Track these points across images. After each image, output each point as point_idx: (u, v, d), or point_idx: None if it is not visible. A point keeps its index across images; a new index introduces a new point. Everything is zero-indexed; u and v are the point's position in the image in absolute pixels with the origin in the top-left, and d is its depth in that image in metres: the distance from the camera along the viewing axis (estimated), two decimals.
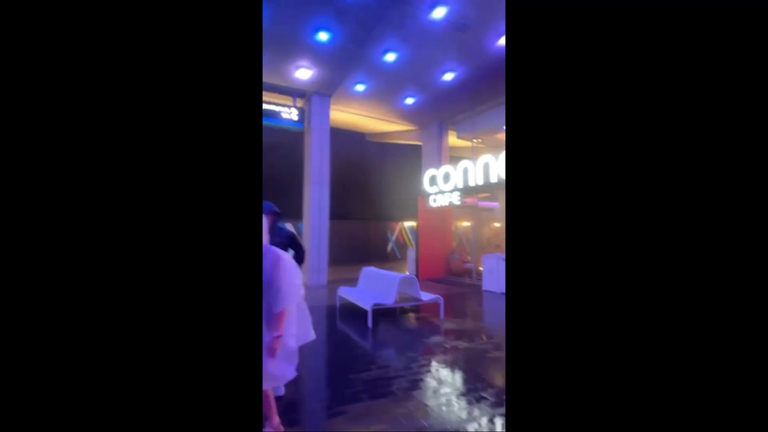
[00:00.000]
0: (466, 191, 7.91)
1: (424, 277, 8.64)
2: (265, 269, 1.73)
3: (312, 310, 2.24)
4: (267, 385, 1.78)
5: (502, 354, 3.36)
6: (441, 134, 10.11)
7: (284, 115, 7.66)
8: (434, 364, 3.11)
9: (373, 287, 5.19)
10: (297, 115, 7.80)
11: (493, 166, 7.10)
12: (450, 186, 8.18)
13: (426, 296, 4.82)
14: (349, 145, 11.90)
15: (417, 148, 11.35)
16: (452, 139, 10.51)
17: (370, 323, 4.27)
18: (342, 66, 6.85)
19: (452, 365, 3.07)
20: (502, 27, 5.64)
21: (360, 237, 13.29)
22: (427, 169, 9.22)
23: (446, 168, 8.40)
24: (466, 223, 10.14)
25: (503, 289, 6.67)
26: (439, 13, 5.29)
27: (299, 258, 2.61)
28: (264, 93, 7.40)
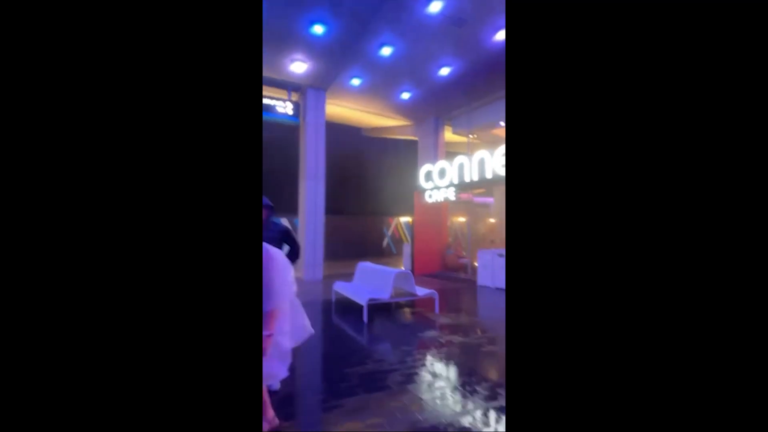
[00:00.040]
0: (462, 187, 7.92)
1: (420, 273, 8.68)
2: None
3: (308, 305, 2.24)
4: None
5: (496, 348, 3.40)
6: (437, 130, 10.10)
7: (279, 109, 7.60)
8: (429, 358, 3.13)
9: (369, 282, 5.20)
10: (292, 109, 7.74)
11: (489, 161, 7.12)
12: (446, 181, 8.19)
13: (421, 291, 4.85)
14: (344, 140, 11.85)
15: (413, 143, 11.33)
16: (448, 135, 10.51)
17: (365, 318, 4.29)
18: (337, 60, 6.79)
19: (447, 359, 3.10)
20: (499, 21, 5.62)
21: (356, 232, 13.29)
22: (424, 164, 9.22)
23: (442, 163, 8.40)
24: (461, 219, 10.18)
25: (498, 285, 6.73)
26: (435, 7, 5.26)
27: (294, 253, 2.60)
28: None
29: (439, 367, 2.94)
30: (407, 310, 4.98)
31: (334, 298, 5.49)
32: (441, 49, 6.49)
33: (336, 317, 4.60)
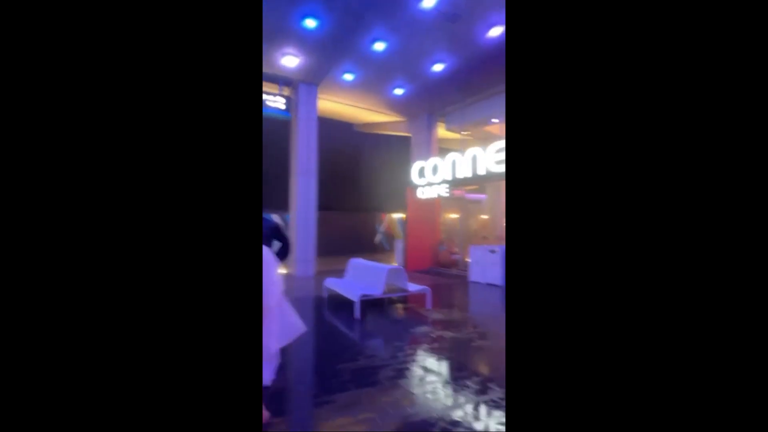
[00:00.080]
0: (455, 183, 7.95)
1: (412, 269, 8.71)
2: None
3: (299, 301, 2.22)
4: None
5: (487, 343, 3.44)
6: (430, 126, 10.09)
7: (270, 104, 7.50)
8: (420, 353, 3.15)
9: (361, 278, 5.20)
10: (283, 103, 7.65)
11: (481, 158, 7.15)
12: (438, 178, 8.21)
13: (413, 287, 4.86)
14: (336, 136, 11.78)
15: (406, 139, 11.31)
16: (442, 131, 10.51)
17: (357, 314, 4.29)
18: (330, 54, 6.73)
19: (438, 354, 3.12)
20: (493, 18, 5.62)
21: (348, 228, 13.26)
22: (417, 160, 9.22)
23: (435, 160, 8.41)
24: (453, 215, 10.23)
25: (489, 280, 6.79)
26: (429, 2, 5.23)
27: (284, 250, 2.58)
28: None
29: (431, 362, 2.96)
30: (399, 305, 5.00)
31: (326, 295, 5.48)
32: (434, 45, 6.47)
33: (328, 313, 4.60)
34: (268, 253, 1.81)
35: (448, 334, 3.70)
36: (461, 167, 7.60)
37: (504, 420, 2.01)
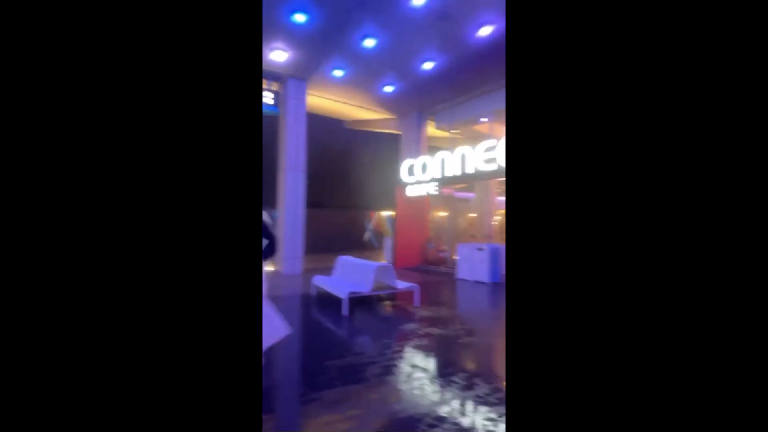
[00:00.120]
0: (444, 182, 7.99)
1: (401, 266, 8.74)
2: None
3: (287, 299, 2.20)
4: None
5: (474, 339, 3.48)
6: (420, 124, 10.11)
7: None
8: (408, 350, 3.16)
9: (349, 276, 5.19)
10: (272, 98, 7.54)
11: (470, 157, 7.20)
12: (428, 176, 8.24)
13: (402, 284, 4.88)
14: (326, 132, 11.69)
15: (396, 136, 11.32)
16: (431, 130, 10.55)
17: (345, 311, 4.28)
18: (319, 50, 6.66)
19: (425, 351, 3.14)
20: (483, 17, 5.65)
21: (337, 226, 13.20)
22: (406, 158, 9.23)
23: (424, 158, 8.44)
24: (442, 213, 10.30)
25: (476, 278, 6.86)
26: (419, 0, 5.22)
27: (271, 247, 2.55)
28: None
29: (418, 358, 2.98)
30: (387, 303, 5.01)
31: (314, 292, 5.45)
32: (425, 43, 6.47)
33: (315, 311, 4.57)
34: None
35: (435, 331, 3.72)
36: (450, 166, 7.64)
37: (490, 415, 2.04)
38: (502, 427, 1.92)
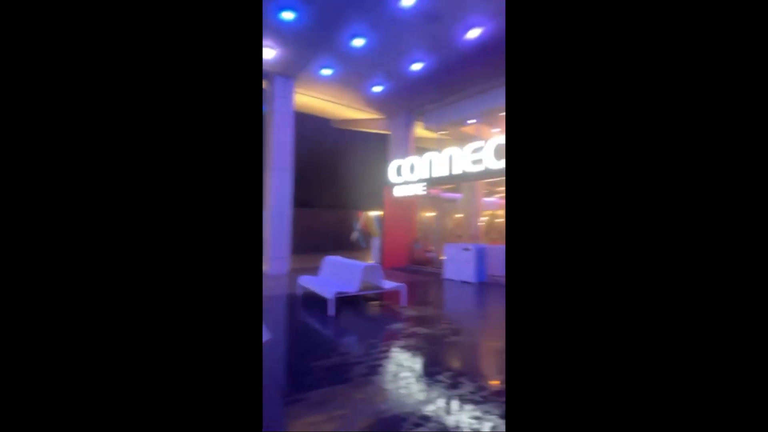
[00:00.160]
0: (431, 182, 8.04)
1: (388, 266, 8.74)
2: None
3: (273, 299, 2.17)
4: None
5: (460, 338, 3.50)
6: (408, 124, 10.14)
7: None
8: (394, 349, 3.17)
9: (336, 276, 5.16)
10: None
11: (457, 158, 7.26)
12: (415, 177, 8.27)
13: (389, 284, 4.88)
14: (314, 131, 11.61)
15: (384, 136, 11.32)
16: (420, 130, 10.60)
17: (332, 312, 4.25)
18: (307, 48, 6.61)
19: (412, 350, 3.15)
20: (472, 20, 5.71)
21: (324, 226, 13.12)
22: (395, 158, 9.24)
23: (412, 158, 8.46)
24: (429, 214, 10.35)
25: (463, 278, 6.92)
26: (408, 1, 5.24)
27: None
28: None
29: (404, 358, 2.98)
30: (374, 303, 5.00)
31: (300, 292, 5.40)
32: (414, 44, 6.50)
33: (301, 311, 4.53)
34: None
35: (422, 330, 3.74)
36: (438, 166, 7.69)
37: (475, 414, 2.06)
38: (487, 425, 1.94)
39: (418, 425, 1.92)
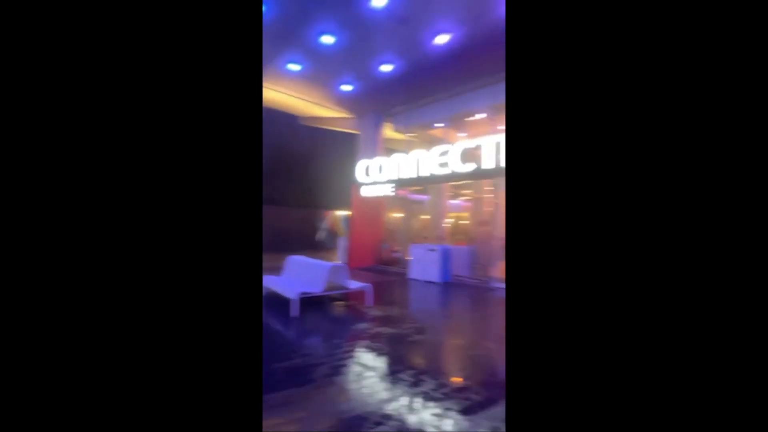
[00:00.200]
0: (399, 183, 8.11)
1: (354, 266, 8.70)
2: None
3: None
4: None
5: (423, 337, 3.56)
6: (377, 125, 10.16)
7: None
8: (358, 349, 3.15)
9: (300, 276, 5.06)
10: None
11: (424, 160, 7.38)
12: (384, 177, 8.30)
13: (354, 284, 4.85)
14: (280, 127, 11.30)
15: (352, 136, 11.25)
16: (389, 131, 10.65)
17: (295, 312, 4.16)
18: (273, 41, 6.42)
19: (375, 350, 3.15)
20: (440, 25, 5.83)
21: (289, 224, 12.80)
22: (363, 158, 9.22)
23: (380, 159, 8.49)
24: (397, 214, 10.44)
25: (427, 278, 7.05)
26: (379, 1, 5.25)
27: None
28: None
29: (368, 357, 2.98)
30: (339, 303, 4.96)
31: (263, 293, 5.23)
32: (384, 45, 6.52)
33: (264, 312, 4.39)
34: None
35: (386, 330, 3.75)
36: (406, 168, 7.77)
37: (435, 411, 2.09)
38: (449, 422, 1.98)
39: (379, 424, 1.92)
